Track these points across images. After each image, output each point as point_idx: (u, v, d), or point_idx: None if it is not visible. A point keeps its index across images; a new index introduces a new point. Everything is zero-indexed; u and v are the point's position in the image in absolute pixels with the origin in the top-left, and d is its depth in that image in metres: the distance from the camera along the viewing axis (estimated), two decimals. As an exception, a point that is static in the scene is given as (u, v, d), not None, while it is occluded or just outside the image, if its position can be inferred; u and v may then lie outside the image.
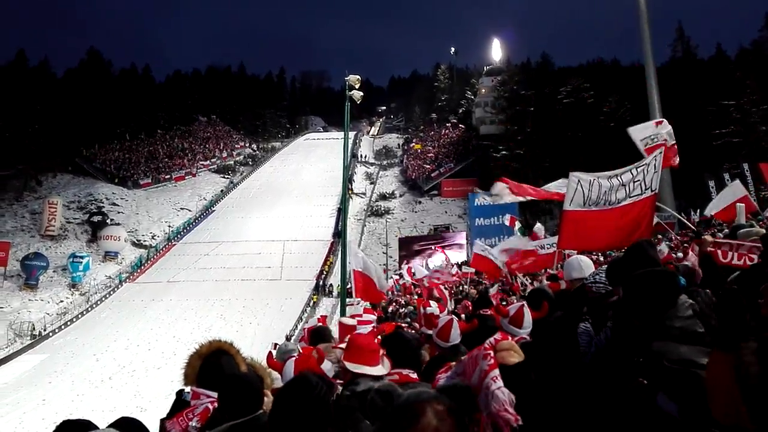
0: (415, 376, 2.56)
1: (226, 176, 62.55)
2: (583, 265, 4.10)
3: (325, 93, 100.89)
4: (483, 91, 63.73)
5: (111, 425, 2.24)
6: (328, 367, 2.91)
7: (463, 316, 5.85)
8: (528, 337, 3.27)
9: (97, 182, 53.66)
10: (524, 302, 3.66)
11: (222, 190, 58.13)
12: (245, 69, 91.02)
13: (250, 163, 67.64)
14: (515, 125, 52.05)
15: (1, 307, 35.87)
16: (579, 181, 5.34)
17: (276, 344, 4.85)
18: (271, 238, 45.18)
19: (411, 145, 68.44)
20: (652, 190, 5.14)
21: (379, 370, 2.44)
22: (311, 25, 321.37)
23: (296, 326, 32.00)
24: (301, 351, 4.10)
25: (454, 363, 2.02)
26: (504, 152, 51.07)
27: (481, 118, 61.22)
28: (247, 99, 79.46)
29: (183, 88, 77.23)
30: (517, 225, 21.30)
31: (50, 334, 33.74)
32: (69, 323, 35.21)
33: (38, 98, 55.03)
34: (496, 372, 1.58)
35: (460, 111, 70.11)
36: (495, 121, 58.13)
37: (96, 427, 2.21)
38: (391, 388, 2.06)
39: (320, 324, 5.86)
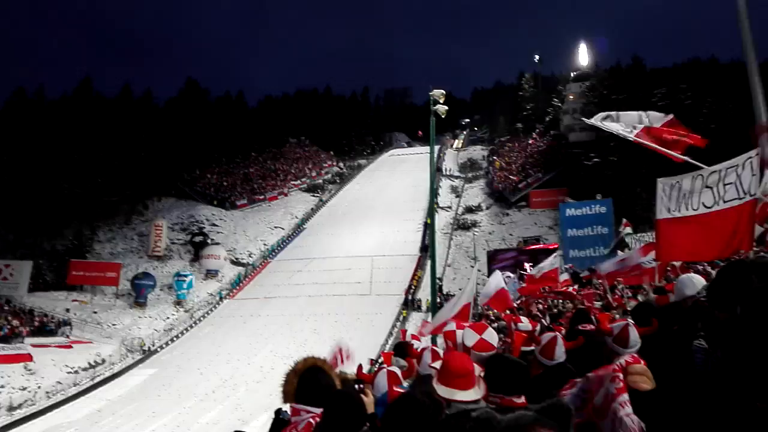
0: (521, 400, 2.42)
1: (315, 194, 64.39)
2: (696, 282, 3.97)
3: (408, 109, 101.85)
4: (571, 97, 61.88)
5: None
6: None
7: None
8: (636, 355, 3.13)
9: (198, 205, 56.86)
10: (629, 320, 3.52)
11: (312, 208, 59.83)
12: (331, 90, 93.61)
13: (338, 180, 69.27)
14: (606, 132, 50.03)
15: (114, 324, 38.48)
16: (663, 186, 5.10)
17: (371, 360, 4.88)
18: (360, 253, 45.86)
19: (494, 158, 67.49)
20: (750, 195, 4.69)
21: (471, 394, 2.30)
22: (392, 45, 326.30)
23: (387, 341, 32.20)
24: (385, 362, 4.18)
25: (579, 379, 1.96)
26: (596, 160, 49.18)
27: (569, 125, 59.39)
28: (334, 119, 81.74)
29: (274, 111, 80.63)
30: (627, 230, 20.47)
31: (158, 349, 35.89)
32: (175, 339, 37.31)
33: (143, 128, 59.32)
34: (625, 397, 1.51)
35: (547, 119, 68.40)
36: (585, 128, 56.17)
37: None
38: (490, 415, 2.02)
39: (403, 340, 5.82)
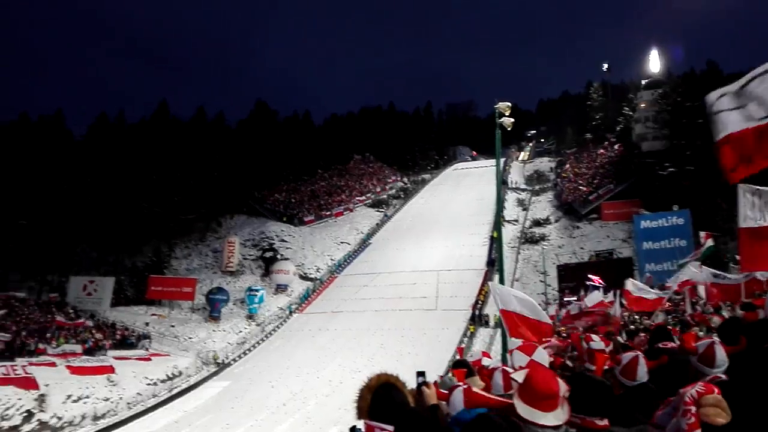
0: (604, 422, 2.32)
1: (380, 210, 64.93)
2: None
3: (472, 122, 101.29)
4: (642, 105, 59.77)
5: None
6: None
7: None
8: (723, 375, 2.99)
9: (267, 221, 58.51)
10: (716, 338, 3.37)
11: (377, 224, 60.31)
12: (394, 106, 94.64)
13: (402, 195, 69.60)
14: (682, 140, 47.93)
15: (190, 338, 39.92)
16: (744, 193, 4.85)
17: (441, 376, 4.84)
18: (425, 268, 45.76)
19: (565, 167, 65.92)
20: None
21: (553, 418, 2.17)
22: (454, 59, 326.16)
23: (454, 356, 31.86)
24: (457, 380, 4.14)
25: (673, 398, 1.88)
26: (672, 169, 47.15)
27: (641, 134, 57.34)
28: (398, 135, 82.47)
29: (339, 129, 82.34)
30: (709, 242, 19.46)
31: (231, 362, 36.94)
32: (247, 352, 38.32)
33: (216, 148, 61.81)
34: None
35: (618, 129, 66.29)
36: (658, 137, 54.05)
37: None
38: None
39: (460, 358, 5.69)
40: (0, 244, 43.92)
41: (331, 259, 52.86)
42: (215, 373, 35.14)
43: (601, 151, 64.12)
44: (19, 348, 29.63)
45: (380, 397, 2.67)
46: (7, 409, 25.29)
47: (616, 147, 62.49)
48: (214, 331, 41.36)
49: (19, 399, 25.96)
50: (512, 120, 17.63)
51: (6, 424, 24.93)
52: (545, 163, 76.03)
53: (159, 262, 50.25)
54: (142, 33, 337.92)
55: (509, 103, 17.65)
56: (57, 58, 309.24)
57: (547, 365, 3.08)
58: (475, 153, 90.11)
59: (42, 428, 25.99)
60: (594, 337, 5.80)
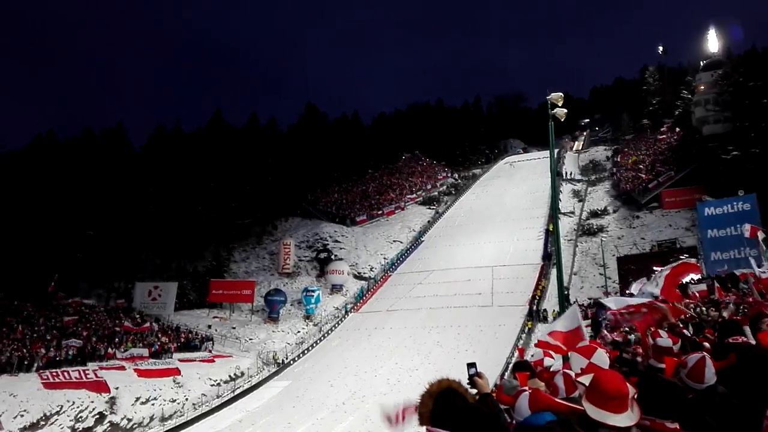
0: (674, 425, 2.25)
1: (431, 207, 64.66)
2: None
3: (523, 114, 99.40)
4: (702, 88, 57.22)
5: None
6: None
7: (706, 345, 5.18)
8: None
9: (321, 223, 59.22)
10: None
11: (429, 221, 60.09)
12: (443, 102, 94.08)
13: (453, 192, 69.08)
14: (745, 121, 45.61)
15: (251, 339, 40.89)
16: None
17: (501, 377, 4.67)
18: (479, 264, 45.26)
19: (623, 152, 63.84)
20: None
21: (625, 419, 2.11)
22: (501, 51, 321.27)
23: (512, 353, 31.39)
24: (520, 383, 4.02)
25: None
26: (735, 153, 44.93)
27: (702, 117, 54.92)
28: (446, 131, 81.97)
29: (387, 128, 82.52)
30: (761, 235, 18.39)
31: (291, 362, 37.61)
32: (306, 352, 38.92)
33: (269, 153, 63.08)
34: None
35: (676, 113, 63.73)
36: (720, 120, 51.63)
37: None
38: None
39: (521, 359, 5.47)
40: (69, 254, 46.17)
41: (384, 258, 53.02)
42: (276, 373, 35.85)
43: (660, 137, 61.80)
44: (90, 353, 31.09)
45: (442, 403, 2.61)
46: (81, 411, 26.61)
47: (675, 132, 60.09)
48: (273, 331, 42.20)
49: (92, 402, 27.27)
50: (565, 110, 17.15)
51: (80, 426, 26.23)
52: (601, 152, 73.82)
53: (219, 266, 51.71)
54: (195, 44, 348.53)
55: (561, 94, 17.18)
56: (117, 72, 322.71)
57: (606, 368, 2.95)
58: (526, 146, 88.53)
59: (113, 430, 27.22)
60: (662, 333, 5.58)
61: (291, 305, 46.07)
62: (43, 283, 40.23)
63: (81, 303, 40.41)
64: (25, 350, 29.06)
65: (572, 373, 3.28)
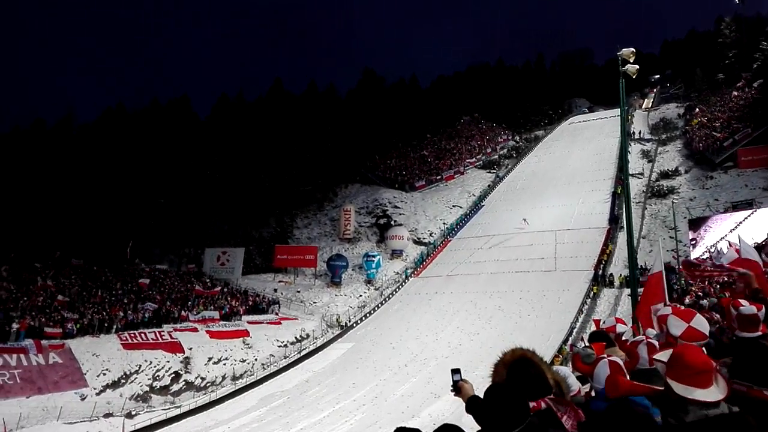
0: None
1: (492, 171, 63.61)
2: None
3: (588, 71, 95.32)
4: (785, 36, 53.08)
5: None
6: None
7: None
8: None
9: (380, 189, 59.46)
10: None
11: (489, 185, 59.23)
12: (503, 62, 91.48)
13: (514, 155, 67.61)
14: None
15: (315, 302, 41.98)
16: None
17: (572, 346, 4.41)
18: (542, 228, 44.41)
19: (695, 113, 60.45)
20: None
21: (711, 393, 2.00)
22: (566, 5, 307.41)
23: (576, 318, 30.92)
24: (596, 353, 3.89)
25: None
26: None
27: (784, 69, 51.08)
28: (507, 91, 79.84)
29: (446, 91, 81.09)
30: None
31: (353, 325, 38.45)
32: (368, 315, 39.65)
33: (328, 120, 63.50)
34: None
35: (754, 66, 59.45)
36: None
37: None
38: (742, 420, 1.72)
39: (597, 329, 5.15)
40: (143, 221, 48.42)
41: (444, 223, 52.84)
42: (339, 336, 36.76)
43: (736, 92, 57.97)
44: (165, 315, 32.74)
45: (516, 372, 2.57)
46: (158, 370, 28.22)
47: (753, 87, 56.19)
48: (336, 295, 43.14)
49: (168, 361, 28.85)
50: (637, 67, 16.28)
51: (157, 384, 27.87)
52: (672, 110, 70.09)
53: (282, 232, 53.04)
54: (255, 13, 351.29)
55: (633, 49, 16.28)
56: (181, 44, 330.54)
57: (707, 333, 2.81)
58: (591, 105, 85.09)
59: (188, 388, 28.77)
60: (742, 302, 5.28)
61: (352, 270, 46.83)
62: (120, 249, 42.49)
63: (155, 268, 42.45)
64: (104, 313, 30.90)
65: (656, 343, 3.16)
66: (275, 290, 42.64)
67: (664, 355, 2.19)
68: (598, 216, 44.46)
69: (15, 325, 26.62)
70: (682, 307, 5.60)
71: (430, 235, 51.75)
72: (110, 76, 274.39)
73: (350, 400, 25.93)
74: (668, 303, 7.09)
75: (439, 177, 62.83)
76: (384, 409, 24.14)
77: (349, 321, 38.74)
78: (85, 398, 25.09)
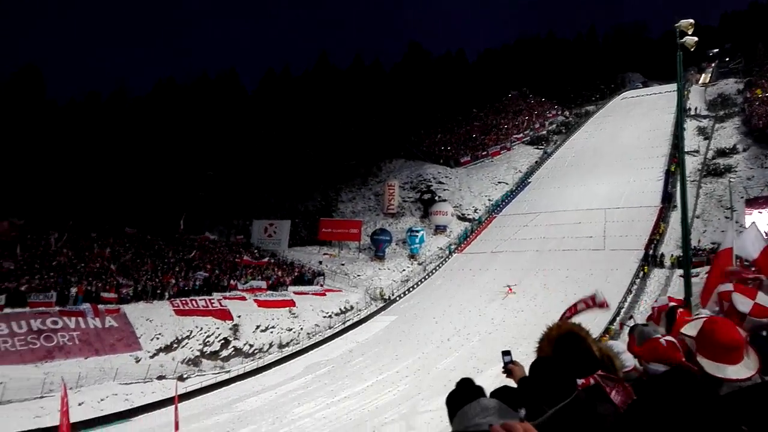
0: None
1: (539, 147, 62.38)
2: None
3: (643, 44, 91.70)
4: None
5: (493, 394, 2.12)
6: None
7: None
8: None
9: (424, 164, 59.15)
10: None
11: (536, 161, 58.18)
12: (554, 34, 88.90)
13: (564, 131, 66.04)
14: None
15: (359, 275, 42.45)
16: None
17: (634, 326, 4.29)
18: (591, 206, 43.51)
19: (755, 88, 57.61)
20: None
21: (741, 369, 1.93)
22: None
23: (625, 298, 30.37)
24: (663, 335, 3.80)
25: None
26: None
27: None
28: (557, 65, 77.74)
29: (493, 64, 79.57)
30: None
31: (397, 298, 38.77)
32: (411, 289, 39.89)
33: (373, 94, 63.32)
34: None
35: (826, 38, 56.08)
36: None
37: (484, 394, 2.14)
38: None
39: (673, 303, 4.91)
40: (193, 193, 49.69)
41: (489, 200, 52.33)
42: (383, 308, 37.16)
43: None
44: (215, 284, 33.72)
45: (562, 347, 2.47)
46: (208, 336, 29.20)
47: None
48: (379, 269, 43.48)
49: (217, 328, 29.81)
50: (696, 39, 15.59)
51: (207, 349, 28.86)
52: (731, 86, 66.94)
53: (327, 206, 53.62)
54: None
55: (692, 21, 15.59)
56: (229, 18, 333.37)
57: None
58: (645, 80, 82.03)
59: (236, 354, 29.70)
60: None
61: (396, 244, 47.03)
62: (172, 219, 43.75)
63: (206, 238, 43.64)
64: (157, 280, 32.06)
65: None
66: (320, 262, 43.28)
67: (691, 328, 2.11)
68: (650, 194, 43.22)
69: (73, 290, 27.92)
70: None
71: (475, 211, 51.39)
72: (160, 50, 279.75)
73: (393, 371, 26.30)
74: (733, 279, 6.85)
75: (484, 153, 62.04)
76: (426, 381, 24.39)
77: (392, 294, 39.06)
78: (139, 361, 26.22)
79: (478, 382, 2.44)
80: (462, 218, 50.83)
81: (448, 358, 26.92)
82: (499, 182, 55.33)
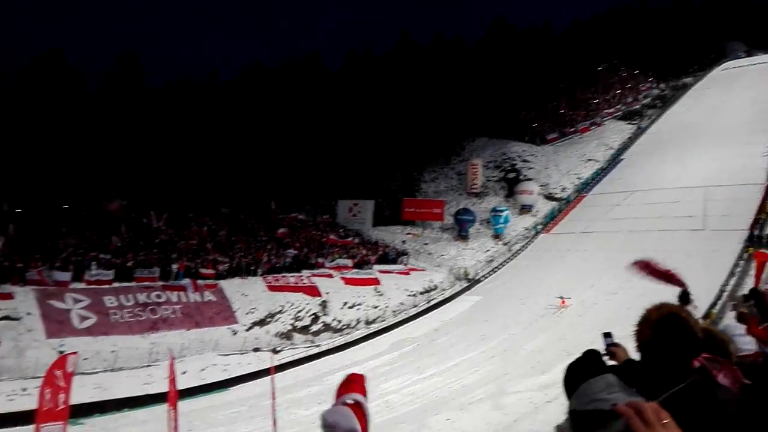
0: None
1: (632, 122, 59.41)
2: None
3: (745, 11, 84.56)
4: None
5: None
6: None
7: None
8: None
9: (509, 142, 57.74)
10: None
11: (629, 137, 55.51)
12: (646, 2, 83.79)
13: (659, 104, 62.51)
14: None
15: (442, 255, 42.44)
16: None
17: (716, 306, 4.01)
18: (689, 184, 41.11)
19: None
20: None
21: None
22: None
23: (727, 281, 28.64)
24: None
25: None
26: None
27: None
28: (651, 35, 73.28)
29: (582, 36, 76.20)
30: None
31: (481, 279, 38.51)
32: (495, 270, 39.47)
33: (455, 71, 62.42)
34: None
35: None
36: None
37: (608, 370, 1.99)
38: None
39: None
40: (281, 173, 51.33)
41: (578, 178, 50.56)
42: (467, 288, 37.05)
43: None
44: (303, 262, 34.82)
45: (663, 330, 2.28)
46: (299, 312, 30.32)
47: None
48: (463, 249, 43.27)
49: (307, 304, 30.88)
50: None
51: (298, 324, 30.00)
52: None
53: (410, 186, 53.81)
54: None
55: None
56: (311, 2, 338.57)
57: None
58: (749, 49, 75.77)
59: (326, 329, 30.67)
60: None
61: (479, 224, 46.52)
62: (262, 199, 45.45)
63: (295, 218, 45.05)
64: (250, 257, 33.50)
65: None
66: (404, 242, 43.64)
67: None
68: (755, 171, 40.30)
69: (174, 266, 29.71)
70: None
71: (562, 190, 49.84)
72: (247, 36, 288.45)
73: (479, 351, 26.22)
74: None
75: (573, 129, 59.82)
76: (513, 362, 24.17)
77: (477, 274, 38.83)
78: (236, 333, 27.66)
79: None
80: (549, 197, 49.47)
81: (536, 340, 26.52)
82: (589, 160, 53.27)
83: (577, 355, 2.08)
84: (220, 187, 48.03)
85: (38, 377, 19.50)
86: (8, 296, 23.61)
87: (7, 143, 44.36)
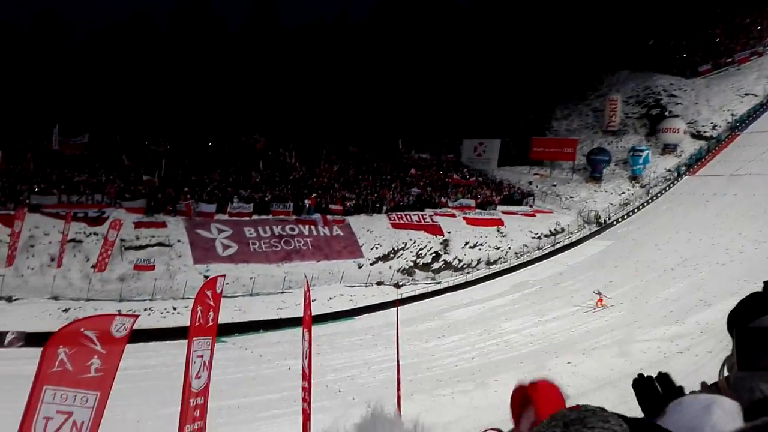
0: None
1: (804, 50, 51.57)
2: None
3: None
4: None
5: None
6: None
7: None
8: None
9: (654, 75, 52.61)
10: None
11: (799, 68, 48.42)
12: None
13: (841, 28, 53.48)
14: None
15: (571, 197, 40.60)
16: None
17: None
18: None
19: None
20: None
21: None
22: None
23: None
24: None
25: None
26: None
27: None
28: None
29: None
30: None
31: (613, 222, 36.52)
32: (630, 214, 37.20)
33: None
34: None
35: None
36: None
37: None
38: None
39: None
40: (407, 111, 51.38)
41: (732, 115, 45.27)
42: (597, 233, 35.44)
43: None
44: (426, 201, 35.07)
45: None
46: (421, 249, 30.85)
47: None
48: (595, 191, 41.10)
49: (429, 242, 31.29)
50: None
51: (420, 261, 30.62)
52: None
53: (540, 124, 51.52)
54: None
55: None
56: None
57: None
58: None
59: (446, 267, 31.01)
60: None
61: (615, 165, 43.69)
62: (388, 138, 46.03)
63: (418, 157, 45.24)
64: (376, 195, 34.34)
65: None
66: (530, 183, 42.32)
67: None
68: None
69: (306, 202, 31.27)
70: None
71: (713, 128, 45.01)
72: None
73: (612, 294, 25.16)
74: None
75: (730, 59, 53.13)
76: (644, 310, 22.99)
77: (609, 218, 36.88)
78: (361, 267, 28.85)
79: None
80: (696, 136, 44.98)
81: (671, 288, 24.94)
82: (747, 94, 47.29)
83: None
84: (348, 126, 49.23)
85: (187, 298, 21.94)
86: (162, 225, 26.40)
87: (158, 85, 48.47)
